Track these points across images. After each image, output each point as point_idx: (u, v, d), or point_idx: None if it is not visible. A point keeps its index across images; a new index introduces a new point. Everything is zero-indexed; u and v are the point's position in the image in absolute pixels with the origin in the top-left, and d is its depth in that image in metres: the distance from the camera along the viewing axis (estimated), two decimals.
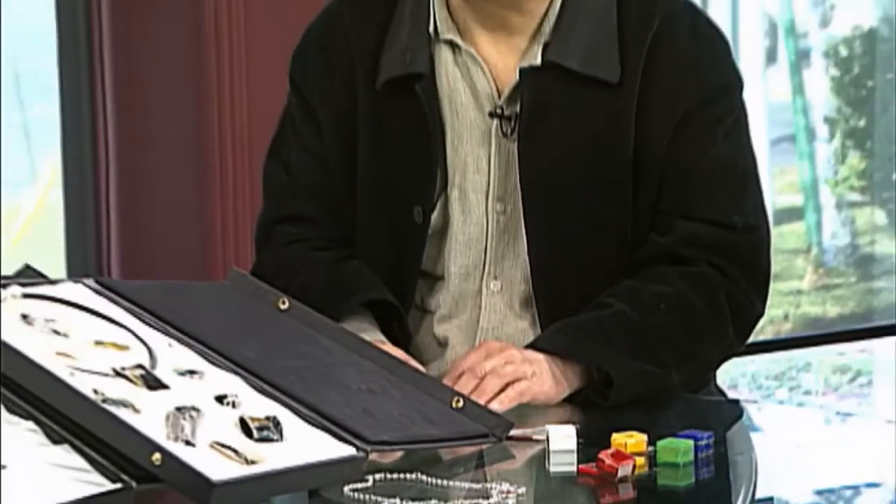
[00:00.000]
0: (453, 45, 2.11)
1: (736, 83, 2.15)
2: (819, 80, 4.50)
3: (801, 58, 4.53)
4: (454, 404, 1.86)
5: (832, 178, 4.56)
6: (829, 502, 3.84)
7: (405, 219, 2.10)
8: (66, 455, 1.53)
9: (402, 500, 1.64)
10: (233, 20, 3.26)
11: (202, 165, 3.30)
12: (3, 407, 1.58)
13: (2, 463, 1.49)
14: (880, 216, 4.56)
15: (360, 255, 2.14)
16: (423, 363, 2.08)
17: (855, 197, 4.56)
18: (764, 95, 4.49)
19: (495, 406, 1.91)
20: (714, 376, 2.21)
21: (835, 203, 4.57)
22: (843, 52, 4.48)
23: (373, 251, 2.12)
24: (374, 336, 2.06)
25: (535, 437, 1.84)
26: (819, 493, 3.82)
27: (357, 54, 2.12)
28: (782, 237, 4.48)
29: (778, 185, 4.62)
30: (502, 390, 1.94)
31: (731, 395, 2.25)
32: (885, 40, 4.46)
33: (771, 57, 4.52)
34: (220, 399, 1.67)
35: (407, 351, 2.09)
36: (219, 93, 3.28)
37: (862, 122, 4.47)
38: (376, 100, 2.11)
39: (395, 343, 2.08)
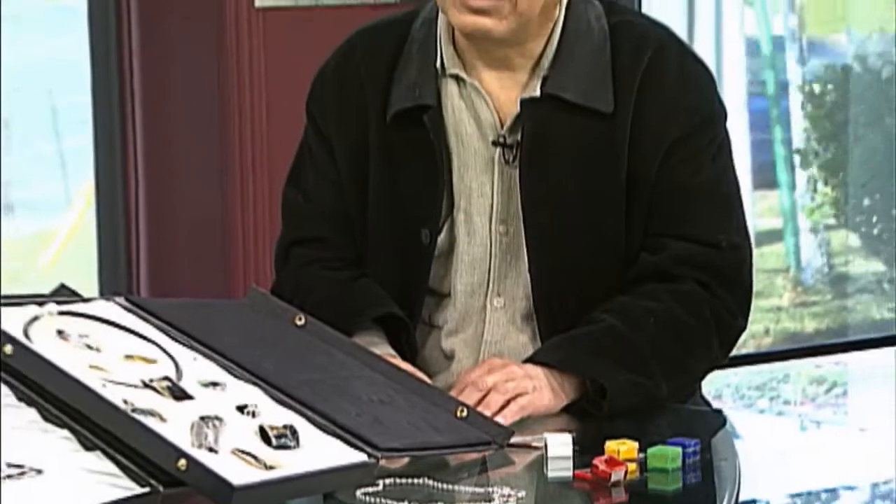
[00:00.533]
0: (459, 79, 2.10)
1: (720, 113, 2.15)
2: (797, 113, 4.50)
3: (779, 90, 4.53)
4: (458, 414, 1.85)
5: (809, 203, 4.56)
6: None
7: (413, 240, 2.10)
8: (98, 461, 1.53)
9: (410, 503, 1.64)
10: (253, 60, 3.27)
11: (225, 192, 3.31)
12: (40, 415, 1.58)
13: (39, 468, 1.49)
14: (853, 239, 4.56)
15: (372, 274, 2.14)
16: (430, 375, 2.07)
17: (830, 221, 4.56)
18: (746, 125, 4.49)
19: (500, 420, 1.90)
20: (700, 387, 2.21)
21: (811, 227, 4.57)
22: (818, 87, 4.49)
23: (383, 270, 2.12)
24: (384, 350, 2.05)
25: (533, 444, 1.83)
26: (797, 495, 3.82)
27: (369, 88, 2.12)
28: (763, 258, 4.48)
29: (759, 210, 4.62)
30: (506, 405, 1.93)
31: (716, 405, 2.24)
32: (857, 77, 4.46)
33: (752, 89, 4.51)
34: (240, 409, 1.67)
35: (414, 363, 2.08)
36: (240, 125, 3.28)
37: (835, 153, 4.48)
38: (387, 130, 2.11)
39: (403, 356, 2.07)
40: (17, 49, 3.60)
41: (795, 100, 4.51)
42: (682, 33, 2.23)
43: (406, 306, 2.11)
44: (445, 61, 2.10)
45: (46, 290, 1.83)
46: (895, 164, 4.41)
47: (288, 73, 3.17)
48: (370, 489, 1.66)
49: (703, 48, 4.13)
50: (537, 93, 2.07)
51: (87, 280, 3.34)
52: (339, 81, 2.16)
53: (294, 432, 1.65)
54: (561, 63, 2.07)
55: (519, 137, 2.07)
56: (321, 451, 1.64)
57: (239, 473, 1.53)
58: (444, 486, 1.70)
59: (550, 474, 1.76)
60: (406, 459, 1.73)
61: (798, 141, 4.52)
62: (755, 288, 2.17)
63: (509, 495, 1.68)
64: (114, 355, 1.71)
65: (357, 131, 2.13)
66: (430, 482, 1.70)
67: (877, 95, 4.44)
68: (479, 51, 2.08)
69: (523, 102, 2.07)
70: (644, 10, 3.74)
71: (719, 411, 2.14)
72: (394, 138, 2.10)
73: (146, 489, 1.51)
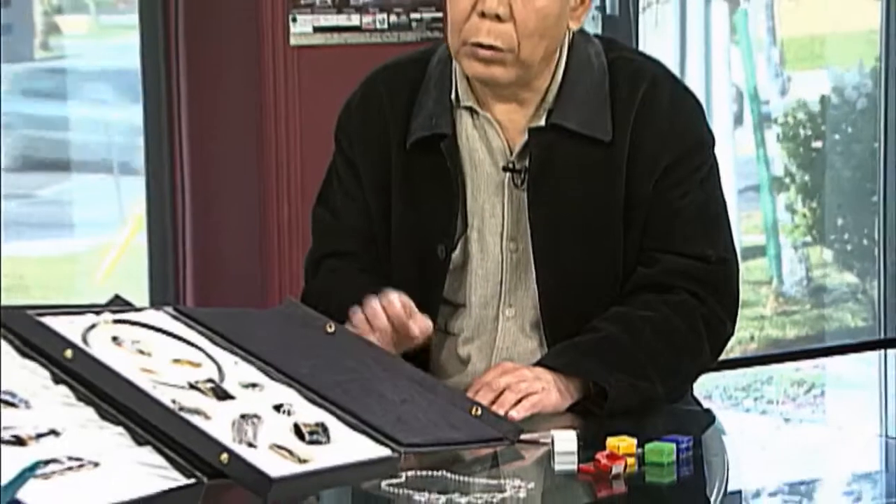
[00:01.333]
0: (472, 111, 2.10)
1: (709, 140, 2.14)
2: (779, 140, 4.50)
3: (762, 121, 4.52)
4: (473, 412, 1.85)
5: (789, 223, 4.55)
6: (789, 493, 3.82)
7: (430, 255, 2.09)
8: (149, 455, 1.53)
9: (430, 493, 1.63)
10: (288, 92, 3.27)
11: (261, 212, 3.31)
12: (97, 414, 1.58)
13: (96, 461, 1.49)
14: (829, 254, 4.55)
15: (392, 285, 2.13)
16: (447, 378, 2.07)
17: (808, 239, 4.55)
18: (733, 151, 4.48)
19: (513, 416, 1.90)
20: (692, 389, 2.20)
21: (791, 243, 4.56)
22: (797, 119, 4.48)
23: (403, 282, 2.11)
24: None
25: (541, 440, 1.83)
26: (780, 486, 3.81)
27: (390, 119, 2.12)
28: (748, 271, 4.47)
29: (744, 227, 4.61)
30: (518, 403, 1.93)
31: (706, 404, 2.23)
32: (831, 109, 4.46)
33: (738, 119, 4.52)
34: (277, 408, 1.67)
35: (432, 367, 2.08)
36: (276, 151, 3.29)
37: (812, 178, 4.47)
38: (407, 156, 2.11)
39: (417, 357, 2.07)
40: (80, 80, 3.61)
41: (776, 130, 4.50)
42: (674, 68, 2.22)
43: (423, 313, 2.10)
44: (460, 94, 2.10)
45: (103, 301, 1.83)
46: (866, 188, 4.41)
47: (319, 104, 3.17)
48: (394, 481, 1.66)
49: (694, 82, 4.12)
50: (543, 122, 2.07)
51: (138, 292, 3.34)
52: (363, 113, 2.16)
53: (325, 429, 1.65)
54: (564, 96, 2.07)
55: (527, 163, 2.07)
56: (350, 447, 1.64)
57: (276, 466, 1.53)
58: (461, 477, 1.70)
59: (557, 467, 1.75)
60: (427, 453, 1.73)
61: (779, 167, 4.51)
62: (741, 298, 2.16)
63: (519, 486, 1.67)
64: (163, 359, 1.71)
65: (380, 157, 2.13)
66: (448, 474, 1.70)
67: (849, 127, 4.44)
68: (490, 87, 2.08)
69: (530, 131, 2.07)
70: (640, 47, 3.73)
71: (709, 411, 2.13)
72: (414, 164, 2.10)
73: (192, 480, 1.51)
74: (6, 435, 1.48)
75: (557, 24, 2.03)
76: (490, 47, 2.01)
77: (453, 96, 2.10)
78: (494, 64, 2.02)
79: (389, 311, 1.99)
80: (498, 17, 1.99)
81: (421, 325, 2.01)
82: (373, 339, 1.98)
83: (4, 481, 1.36)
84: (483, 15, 1.99)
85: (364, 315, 2.00)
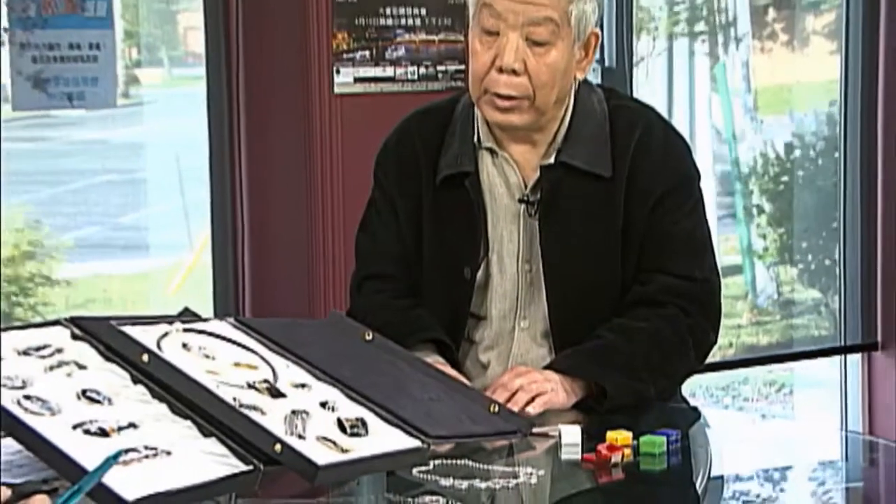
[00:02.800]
0: (492, 151, 2.09)
1: (696, 175, 2.13)
2: (753, 174, 4.48)
3: (738, 158, 4.50)
4: (491, 409, 1.84)
5: (762, 245, 4.53)
6: (763, 479, 3.79)
7: (457, 276, 2.08)
8: (213, 445, 1.52)
9: (454, 478, 1.63)
10: (332, 134, 3.28)
11: (309, 238, 3.31)
12: (169, 409, 1.58)
13: (169, 450, 1.49)
14: (796, 273, 4.52)
15: (425, 302, 2.12)
16: (469, 379, 2.06)
17: (777, 259, 4.52)
18: (713, 184, 4.47)
19: (527, 412, 1.90)
20: (680, 389, 2.19)
21: (764, 263, 4.53)
22: (770, 154, 4.46)
23: (434, 299, 2.11)
24: (434, 359, 2.04)
25: (550, 433, 1.82)
26: (755, 472, 3.78)
27: (422, 158, 2.11)
28: (727, 287, 4.44)
29: (723, 249, 4.58)
30: (531, 401, 1.92)
31: (692, 402, 2.22)
32: (799, 147, 4.44)
33: (717, 156, 4.50)
34: (323, 405, 1.67)
35: (456, 370, 2.07)
36: (322, 185, 3.29)
37: (781, 208, 4.45)
38: (436, 191, 2.10)
39: (452, 360, 2.06)
40: (154, 124, 3.62)
41: (751, 166, 4.48)
42: (663, 112, 2.21)
43: (452, 327, 2.09)
44: (481, 137, 2.10)
45: (174, 313, 1.83)
46: (828, 216, 4.39)
47: (359, 144, 3.17)
48: (423, 468, 1.66)
49: (680, 124, 4.10)
50: (553, 161, 2.06)
51: (204, 304, 3.34)
52: (398, 152, 2.15)
53: (364, 423, 1.64)
54: (571, 138, 2.06)
55: (539, 196, 2.06)
56: (385, 438, 1.63)
57: (322, 455, 1.52)
58: (481, 465, 1.69)
59: (563, 457, 1.74)
60: (451, 444, 1.72)
61: (753, 198, 4.50)
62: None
63: (531, 473, 1.67)
64: (225, 363, 1.70)
65: (413, 191, 2.12)
66: (470, 462, 1.69)
67: (812, 164, 4.42)
68: (510, 132, 2.07)
69: (542, 169, 2.06)
70: (634, 94, 3.72)
71: (696, 408, 2.12)
72: (442, 197, 2.10)
73: (250, 467, 1.50)
74: (93, 427, 1.48)
75: (566, 74, 2.02)
76: (508, 97, 2.00)
77: (476, 139, 2.09)
78: (512, 111, 2.01)
79: None
80: (514, 72, 1.98)
81: None
82: None
83: (91, 468, 1.36)
84: (501, 70, 1.99)
85: None
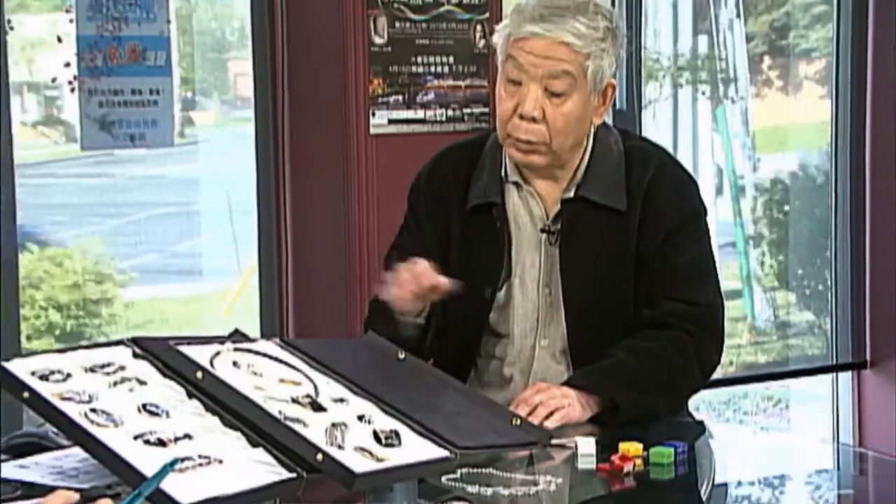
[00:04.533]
0: (517, 185, 2.09)
1: (702, 210, 2.12)
2: (751, 207, 4.46)
3: (738, 192, 4.49)
4: (513, 422, 1.83)
5: (760, 272, 4.50)
6: (762, 485, 3.75)
7: (478, 295, 2.07)
8: (261, 454, 1.52)
9: (479, 485, 1.62)
10: (368, 170, 3.28)
11: (346, 264, 3.31)
12: (221, 422, 1.58)
13: (221, 459, 1.49)
14: (792, 297, 4.49)
15: (446, 316, 2.11)
16: (493, 394, 2.04)
17: (775, 284, 4.49)
18: (715, 216, 4.45)
19: (546, 425, 1.88)
20: (686, 404, 2.17)
21: (762, 288, 4.51)
22: (766, 189, 4.45)
23: (455, 314, 2.09)
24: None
25: (567, 444, 1.81)
26: (755, 479, 3.74)
27: (452, 189, 2.11)
28: (728, 310, 4.41)
29: (724, 275, 4.54)
30: (550, 415, 1.91)
31: (696, 415, 2.21)
32: (794, 182, 4.42)
33: (719, 191, 4.48)
34: (360, 418, 1.66)
35: (481, 387, 2.06)
36: (359, 215, 3.29)
37: (779, 236, 4.43)
38: (465, 219, 2.10)
39: (465, 372, 2.05)
40: (207, 161, 3.64)
41: (749, 199, 4.47)
42: (669, 150, 2.21)
43: (470, 341, 2.09)
44: (508, 172, 2.09)
45: (225, 333, 1.83)
46: (820, 244, 4.36)
47: (392, 178, 3.17)
48: (451, 475, 1.64)
49: (684, 162, 4.08)
50: (572, 195, 2.06)
51: (251, 325, 3.34)
52: (431, 182, 2.15)
53: (398, 435, 1.63)
54: (590, 174, 2.06)
55: (559, 226, 2.06)
56: (417, 449, 1.63)
57: (359, 464, 1.52)
58: (504, 473, 1.68)
59: (579, 466, 1.73)
60: (477, 454, 1.71)
61: (751, 228, 4.48)
62: None
63: (550, 481, 1.65)
64: (272, 379, 1.70)
65: (441, 216, 2.12)
66: (494, 471, 1.68)
67: (806, 197, 4.40)
68: (532, 169, 2.07)
69: (563, 202, 2.06)
70: (642, 134, 3.72)
71: (701, 422, 2.11)
72: (471, 224, 2.09)
73: (294, 475, 1.50)
74: (152, 438, 1.48)
75: (581, 122, 2.02)
76: (527, 142, 2.00)
77: (503, 173, 2.09)
78: (531, 153, 2.01)
79: (413, 271, 1.96)
80: (533, 119, 1.99)
81: (440, 283, 1.96)
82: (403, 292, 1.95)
83: (150, 474, 1.36)
84: (522, 117, 1.99)
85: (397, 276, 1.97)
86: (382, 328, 1.99)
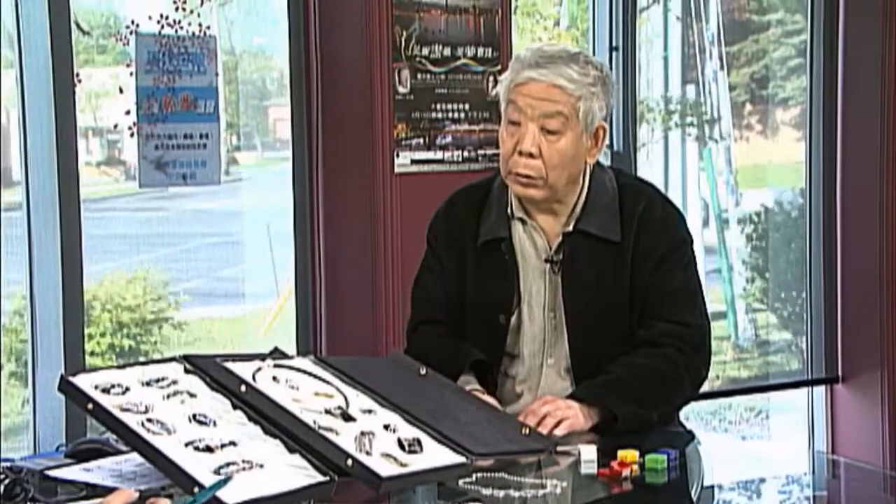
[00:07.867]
0: (522, 220, 2.09)
1: (689, 240, 2.12)
2: (734, 237, 4.45)
3: (723, 223, 4.48)
4: (523, 431, 1.83)
5: (742, 294, 4.48)
6: (745, 489, 3.73)
7: (494, 322, 2.08)
8: (297, 459, 1.53)
9: (492, 488, 1.61)
10: (393, 207, 3.28)
11: (373, 291, 3.31)
12: (262, 430, 1.58)
13: (262, 464, 1.49)
14: (772, 318, 4.47)
15: (467, 342, 2.11)
16: (505, 407, 2.04)
17: (757, 306, 4.47)
18: (701, 245, 4.44)
19: (554, 433, 1.88)
20: (678, 415, 2.16)
21: (745, 309, 4.49)
22: (748, 221, 4.44)
23: (475, 340, 2.09)
24: (474, 386, 2.03)
25: (571, 452, 1.80)
26: (739, 483, 3.72)
27: (465, 226, 2.12)
28: (714, 329, 4.38)
29: (711, 298, 4.52)
30: (556, 425, 1.90)
31: (687, 426, 2.19)
32: (773, 215, 4.41)
33: (705, 223, 4.47)
34: (386, 427, 1.66)
35: (494, 398, 2.06)
36: (384, 248, 3.29)
37: (760, 263, 4.41)
38: (478, 253, 2.10)
39: (487, 389, 2.04)
40: (249, 197, 3.65)
41: (733, 230, 4.45)
42: (660, 187, 2.21)
43: (491, 363, 2.08)
44: (514, 209, 2.10)
45: (265, 351, 1.83)
46: (798, 272, 4.35)
47: (415, 214, 3.17)
48: (467, 479, 1.64)
49: (674, 197, 4.09)
50: (572, 228, 2.06)
51: (288, 343, 3.34)
52: (446, 221, 2.16)
53: (420, 442, 1.63)
54: (587, 209, 2.06)
55: (561, 257, 2.06)
56: (437, 455, 1.63)
57: (385, 468, 1.52)
58: (515, 477, 1.67)
59: (582, 471, 1.73)
60: (491, 460, 1.71)
61: (734, 256, 4.46)
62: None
63: (556, 484, 1.65)
64: (307, 392, 1.71)
65: (458, 252, 2.12)
66: (506, 475, 1.68)
67: (784, 229, 4.39)
68: (533, 204, 2.08)
69: (564, 234, 2.06)
70: (636, 173, 3.72)
71: (690, 431, 2.09)
72: (483, 257, 2.09)
73: (326, 478, 1.50)
74: (201, 445, 1.49)
75: (574, 159, 2.02)
76: (526, 176, 2.01)
77: (509, 210, 2.10)
78: (530, 186, 2.02)
79: None
80: (531, 155, 1.99)
81: None
82: None
83: (200, 478, 1.36)
84: (521, 153, 2.00)
85: None
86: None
